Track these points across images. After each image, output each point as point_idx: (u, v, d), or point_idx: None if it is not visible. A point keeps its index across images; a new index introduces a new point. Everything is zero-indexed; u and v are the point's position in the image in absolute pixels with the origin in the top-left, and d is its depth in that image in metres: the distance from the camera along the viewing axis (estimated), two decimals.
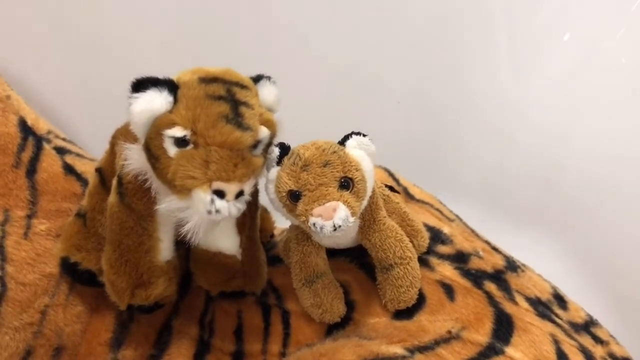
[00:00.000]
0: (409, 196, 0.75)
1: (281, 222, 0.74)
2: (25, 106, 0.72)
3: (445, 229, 0.69)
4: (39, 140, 0.70)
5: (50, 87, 0.90)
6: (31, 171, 0.67)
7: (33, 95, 0.82)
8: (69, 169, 0.70)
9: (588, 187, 0.96)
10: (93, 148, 0.80)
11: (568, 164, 0.99)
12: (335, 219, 0.49)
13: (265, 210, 0.72)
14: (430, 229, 0.68)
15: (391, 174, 0.77)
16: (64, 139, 0.75)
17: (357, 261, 0.65)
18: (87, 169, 0.72)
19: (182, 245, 0.63)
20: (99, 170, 0.64)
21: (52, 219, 0.66)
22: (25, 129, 0.69)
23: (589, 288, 0.88)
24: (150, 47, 0.94)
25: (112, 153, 0.62)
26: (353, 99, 1.06)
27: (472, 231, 0.72)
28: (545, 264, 0.72)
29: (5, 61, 0.79)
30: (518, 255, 0.71)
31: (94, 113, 0.93)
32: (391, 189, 0.69)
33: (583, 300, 0.69)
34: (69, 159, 0.71)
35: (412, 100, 1.07)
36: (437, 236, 0.67)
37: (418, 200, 0.74)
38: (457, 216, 0.75)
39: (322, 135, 0.56)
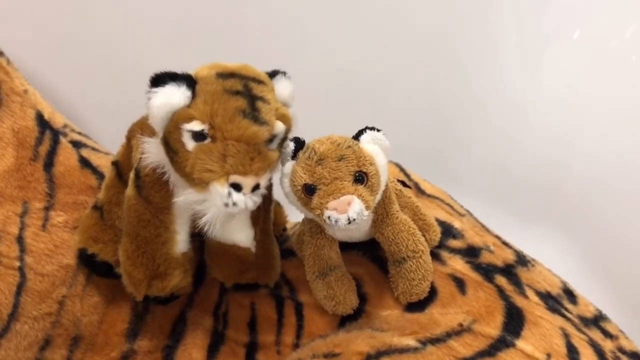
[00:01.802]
0: (420, 191, 0.76)
1: (294, 216, 0.75)
2: (41, 100, 0.73)
3: (456, 224, 0.70)
4: (56, 134, 0.71)
5: (63, 84, 0.91)
6: (48, 164, 0.68)
7: (47, 91, 0.83)
8: (85, 163, 0.71)
9: (594, 185, 0.97)
10: (104, 143, 0.81)
11: (575, 163, 0.99)
12: (350, 213, 0.50)
13: (278, 204, 0.73)
14: (441, 223, 0.68)
15: (402, 169, 0.78)
16: (79, 133, 0.75)
17: (369, 255, 0.66)
18: (103, 162, 0.73)
19: (197, 237, 0.64)
20: (115, 164, 0.65)
21: (69, 211, 0.67)
22: (43, 122, 0.70)
23: (594, 285, 0.89)
24: (160, 45, 0.95)
25: (129, 147, 0.63)
26: (362, 95, 1.06)
27: (483, 226, 0.73)
28: (550, 262, 0.72)
29: (22, 57, 0.80)
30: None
31: (105, 109, 0.95)
32: (403, 183, 0.70)
33: (588, 298, 0.70)
34: (85, 153, 0.72)
35: (420, 98, 1.08)
36: (448, 230, 0.68)
37: (429, 195, 0.75)
38: (467, 211, 0.75)
39: (331, 131, 0.57)
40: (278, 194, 0.63)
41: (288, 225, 0.77)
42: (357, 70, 1.04)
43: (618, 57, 0.96)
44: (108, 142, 0.80)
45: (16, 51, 0.77)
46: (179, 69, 0.51)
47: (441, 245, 0.66)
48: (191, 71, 0.52)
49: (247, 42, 0.97)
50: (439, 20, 1.02)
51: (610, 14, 0.97)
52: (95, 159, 0.72)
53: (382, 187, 0.56)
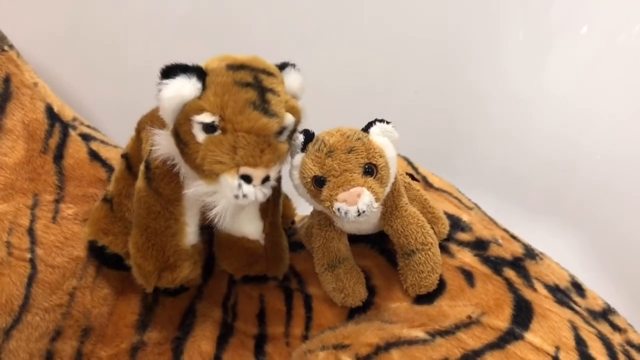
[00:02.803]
0: (428, 184, 0.76)
1: (302, 209, 0.75)
2: (51, 93, 0.73)
3: (464, 217, 0.70)
4: (65, 127, 0.71)
5: (71, 77, 0.92)
6: (58, 157, 0.68)
7: (55, 84, 0.83)
8: (94, 155, 0.72)
9: (602, 180, 0.97)
10: (111, 136, 0.81)
11: (582, 158, 0.99)
12: (359, 204, 0.51)
13: (286, 197, 0.73)
14: (449, 216, 0.68)
15: (410, 163, 0.78)
16: (88, 126, 0.76)
17: (378, 247, 0.66)
18: (111, 155, 0.73)
19: (206, 229, 0.64)
20: (125, 156, 0.65)
21: (79, 203, 0.68)
22: (52, 115, 0.70)
23: (602, 279, 0.89)
24: (167, 39, 0.95)
25: (138, 139, 0.64)
26: (368, 90, 1.06)
27: (491, 219, 0.73)
28: (558, 256, 0.72)
29: (30, 50, 0.80)
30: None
31: (112, 102, 0.95)
32: (411, 177, 0.70)
33: (596, 292, 0.70)
34: (94, 146, 0.72)
35: (427, 93, 1.07)
36: (456, 224, 0.68)
37: (437, 189, 0.75)
38: (475, 204, 0.75)
39: (336, 125, 0.57)
40: (286, 187, 0.63)
41: (296, 218, 0.77)
42: (364, 64, 1.04)
43: (626, 53, 0.96)
44: (116, 135, 0.80)
45: (25, 45, 0.77)
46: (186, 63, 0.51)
47: (449, 238, 0.66)
48: (201, 63, 0.52)
49: (255, 36, 0.98)
50: (446, 16, 1.02)
51: (618, 9, 0.97)
52: (104, 152, 0.73)
53: (392, 179, 0.56)
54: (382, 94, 1.08)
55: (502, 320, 0.58)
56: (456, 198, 0.74)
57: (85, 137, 0.73)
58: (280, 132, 0.52)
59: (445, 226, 0.65)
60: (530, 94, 1.04)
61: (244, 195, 0.49)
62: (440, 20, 1.02)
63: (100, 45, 0.92)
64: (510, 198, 1.04)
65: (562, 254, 0.73)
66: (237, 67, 0.51)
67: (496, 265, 0.64)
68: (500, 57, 1.05)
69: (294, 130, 0.55)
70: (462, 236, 0.67)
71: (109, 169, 0.71)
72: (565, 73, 1.02)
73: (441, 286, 0.61)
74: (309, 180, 0.54)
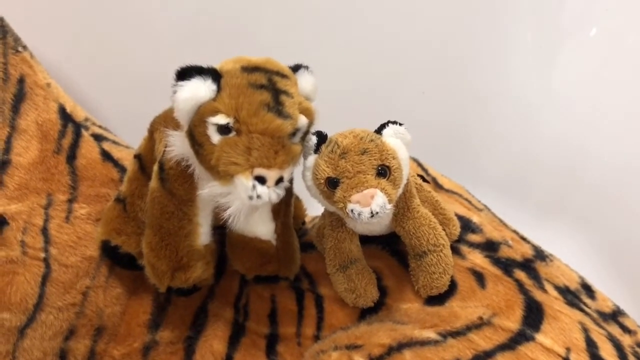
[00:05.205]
0: (438, 186, 0.76)
1: (312, 210, 0.76)
2: (63, 94, 0.74)
3: (475, 218, 0.70)
4: (78, 127, 0.72)
5: (82, 78, 0.92)
6: (71, 157, 0.69)
7: (66, 85, 0.84)
8: (106, 156, 0.72)
9: (612, 180, 0.96)
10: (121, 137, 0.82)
11: (591, 160, 0.99)
12: (373, 206, 0.51)
13: (297, 198, 0.73)
14: (459, 218, 0.69)
15: (420, 164, 0.78)
16: (100, 127, 0.76)
17: (389, 248, 0.67)
18: (123, 155, 0.73)
19: (218, 230, 0.64)
20: (138, 157, 0.65)
21: (92, 203, 0.68)
22: (65, 116, 0.71)
23: (610, 282, 0.89)
24: (177, 41, 0.95)
25: (151, 140, 0.64)
26: (376, 91, 1.07)
27: (501, 221, 0.73)
28: (567, 257, 0.72)
29: (43, 51, 0.80)
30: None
31: (123, 104, 0.95)
32: (422, 178, 0.70)
33: (605, 293, 0.70)
34: (106, 146, 0.73)
35: (435, 94, 1.07)
36: (466, 225, 0.68)
37: (447, 190, 0.75)
38: (485, 206, 0.76)
39: (344, 126, 0.57)
40: (297, 188, 0.63)
41: (307, 219, 0.77)
42: (372, 65, 1.04)
43: (635, 55, 0.96)
44: (126, 135, 0.81)
45: (38, 46, 0.78)
46: (196, 62, 0.51)
47: (460, 239, 0.67)
48: (216, 65, 0.53)
49: (262, 38, 0.98)
50: (454, 18, 1.02)
51: (627, 11, 0.97)
52: (116, 152, 0.73)
53: (404, 181, 0.56)
54: (390, 95, 1.08)
55: (513, 322, 0.58)
56: (466, 199, 0.75)
57: (98, 138, 0.73)
58: (293, 133, 0.52)
59: (456, 227, 0.66)
60: (538, 96, 1.04)
61: (258, 196, 0.49)
62: (449, 22, 1.02)
63: (112, 46, 0.92)
64: (516, 201, 1.03)
65: (568, 257, 0.73)
66: (251, 69, 0.51)
67: (507, 266, 0.64)
68: (508, 59, 1.05)
69: (307, 132, 0.55)
70: (473, 237, 0.67)
71: (121, 169, 0.72)
72: (574, 75, 1.01)
73: (452, 287, 0.62)
74: (322, 181, 0.54)
